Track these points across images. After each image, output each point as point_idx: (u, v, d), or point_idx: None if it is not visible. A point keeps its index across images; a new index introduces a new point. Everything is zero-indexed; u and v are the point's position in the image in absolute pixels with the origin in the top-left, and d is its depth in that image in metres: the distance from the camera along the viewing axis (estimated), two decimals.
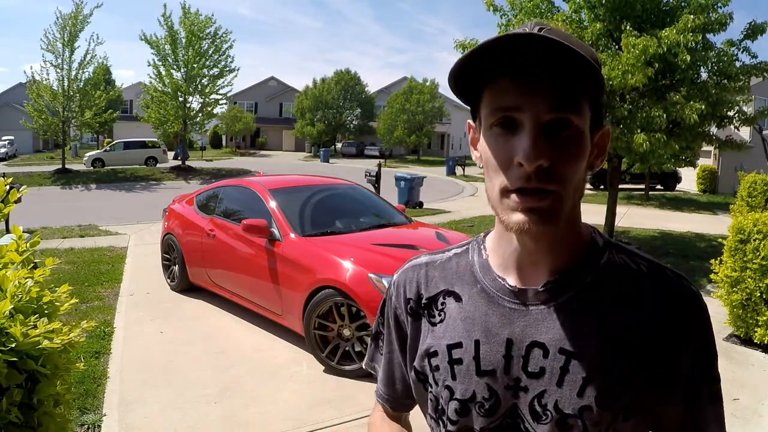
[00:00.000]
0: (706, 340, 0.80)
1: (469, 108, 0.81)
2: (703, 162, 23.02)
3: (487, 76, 0.73)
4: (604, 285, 0.80)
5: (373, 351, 1.08)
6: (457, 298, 0.87)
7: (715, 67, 8.31)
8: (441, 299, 0.89)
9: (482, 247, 0.90)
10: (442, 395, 0.84)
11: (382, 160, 25.92)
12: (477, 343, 0.82)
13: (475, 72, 0.73)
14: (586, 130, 0.75)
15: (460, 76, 0.74)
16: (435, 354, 0.86)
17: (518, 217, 0.73)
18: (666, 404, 0.79)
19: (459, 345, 0.83)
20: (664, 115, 7.46)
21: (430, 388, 0.87)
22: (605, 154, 0.82)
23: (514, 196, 0.73)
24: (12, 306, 1.37)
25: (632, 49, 7.15)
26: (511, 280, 0.83)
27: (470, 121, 0.84)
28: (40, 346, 1.36)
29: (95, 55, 22.42)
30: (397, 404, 1.04)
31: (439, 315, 0.88)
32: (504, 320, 0.81)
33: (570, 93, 0.72)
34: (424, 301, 0.91)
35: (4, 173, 2.51)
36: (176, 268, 6.39)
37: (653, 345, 0.76)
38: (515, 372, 0.79)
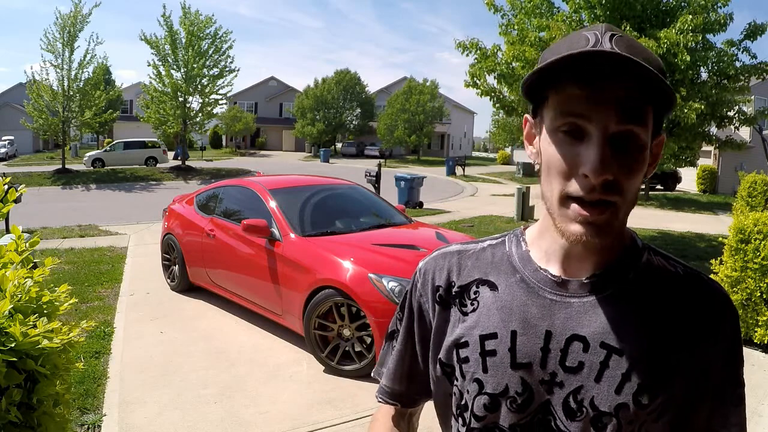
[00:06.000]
0: (736, 345, 0.81)
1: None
2: (703, 162, 23.04)
3: (554, 80, 0.73)
4: (645, 283, 0.80)
5: (384, 353, 1.01)
6: (492, 287, 0.84)
7: (715, 67, 8.31)
8: (474, 288, 0.85)
9: (522, 239, 0.88)
10: (469, 389, 0.81)
11: (382, 160, 25.97)
12: (514, 333, 0.79)
13: (542, 74, 0.72)
14: (648, 142, 0.74)
15: (527, 82, 0.74)
16: (465, 345, 0.82)
17: (576, 228, 0.73)
18: (696, 406, 0.80)
19: (493, 336, 0.80)
20: None
21: (456, 382, 0.84)
22: (657, 162, 0.81)
23: (575, 206, 0.72)
24: (11, 306, 1.37)
25: None
26: (554, 271, 0.81)
27: (528, 116, 0.83)
28: (39, 346, 1.36)
29: (95, 55, 22.48)
30: (407, 400, 0.99)
31: (472, 304, 0.85)
32: (544, 311, 0.79)
33: (637, 105, 0.71)
34: (455, 289, 0.87)
35: (4, 173, 2.50)
36: (176, 268, 6.39)
37: (689, 347, 0.77)
38: (551, 366, 0.77)
